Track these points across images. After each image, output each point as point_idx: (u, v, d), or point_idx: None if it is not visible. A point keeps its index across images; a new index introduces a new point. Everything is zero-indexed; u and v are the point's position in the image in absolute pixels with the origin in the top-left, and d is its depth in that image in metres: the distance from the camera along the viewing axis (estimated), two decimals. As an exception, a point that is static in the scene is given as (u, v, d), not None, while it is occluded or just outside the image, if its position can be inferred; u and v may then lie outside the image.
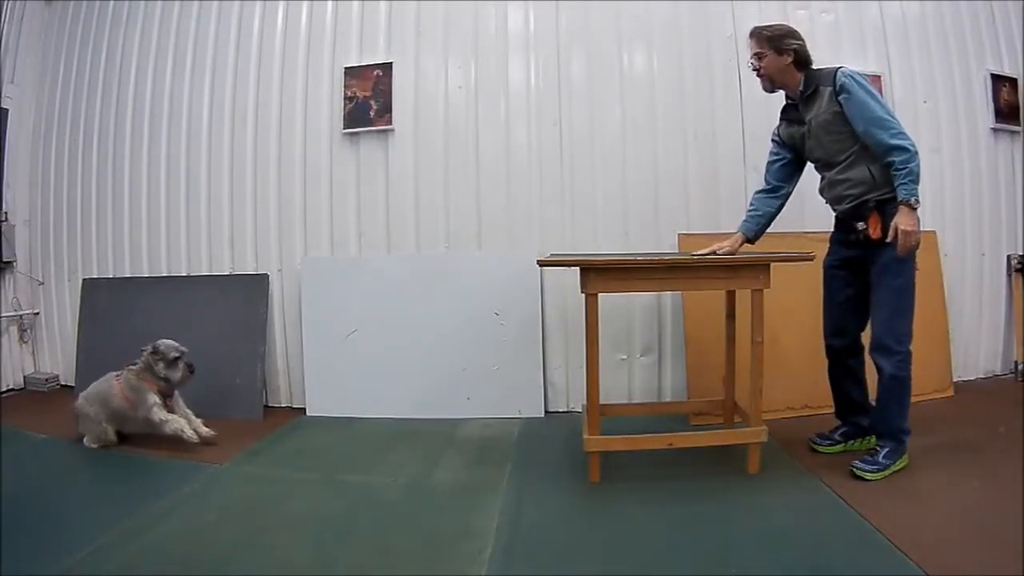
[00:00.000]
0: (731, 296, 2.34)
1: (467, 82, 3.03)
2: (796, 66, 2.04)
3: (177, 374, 2.49)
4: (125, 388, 2.47)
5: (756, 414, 2.05)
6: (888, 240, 1.90)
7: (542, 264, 2.08)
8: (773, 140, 2.26)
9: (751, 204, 2.27)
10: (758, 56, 2.05)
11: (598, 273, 1.98)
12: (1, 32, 3.40)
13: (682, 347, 2.84)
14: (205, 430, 2.48)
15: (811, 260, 2.02)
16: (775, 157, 2.23)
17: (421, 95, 3.05)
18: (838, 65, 2.01)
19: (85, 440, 2.52)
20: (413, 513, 1.88)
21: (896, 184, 1.88)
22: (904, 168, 1.85)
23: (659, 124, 2.93)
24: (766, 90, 2.13)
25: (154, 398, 2.45)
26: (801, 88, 2.05)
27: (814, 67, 2.05)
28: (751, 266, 2.01)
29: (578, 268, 2.00)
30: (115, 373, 2.55)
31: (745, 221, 2.24)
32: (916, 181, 1.87)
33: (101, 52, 3.50)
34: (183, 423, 2.45)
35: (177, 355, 2.50)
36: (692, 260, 2.05)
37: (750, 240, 2.23)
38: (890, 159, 1.88)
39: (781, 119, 2.21)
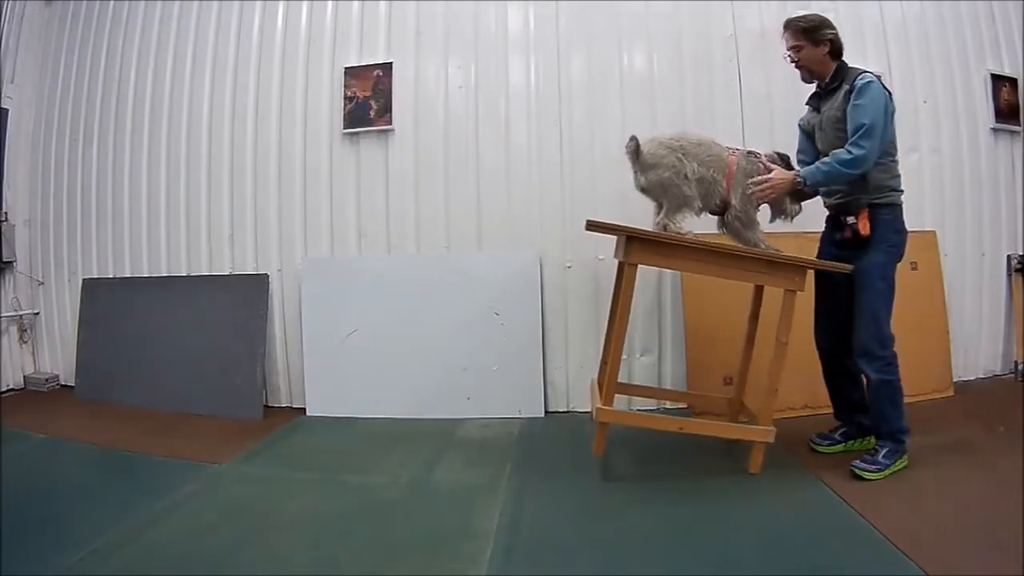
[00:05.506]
0: (758, 297, 2.32)
1: (467, 82, 3.03)
2: (831, 56, 2.05)
3: (795, 207, 2.12)
4: (738, 163, 2.04)
5: (767, 414, 2.02)
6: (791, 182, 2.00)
7: (590, 226, 2.01)
8: (799, 126, 2.27)
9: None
10: (796, 48, 2.05)
11: (643, 244, 1.97)
12: (1, 32, 3.40)
13: (680, 348, 2.84)
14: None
15: (848, 271, 2.00)
16: (802, 147, 2.25)
17: (421, 95, 3.05)
18: (869, 70, 2.02)
19: (664, 213, 2.01)
20: (413, 513, 1.88)
21: (815, 163, 1.98)
22: (833, 163, 1.92)
23: (659, 124, 2.92)
24: (805, 80, 2.14)
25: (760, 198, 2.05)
26: (827, 80, 2.06)
27: (849, 65, 2.05)
28: (790, 267, 2.00)
29: (617, 238, 2.02)
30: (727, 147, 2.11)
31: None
32: (826, 179, 1.97)
33: (101, 52, 3.50)
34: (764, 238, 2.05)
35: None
36: (737, 250, 2.02)
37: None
38: (838, 149, 1.93)
39: (807, 104, 2.22)
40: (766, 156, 2.12)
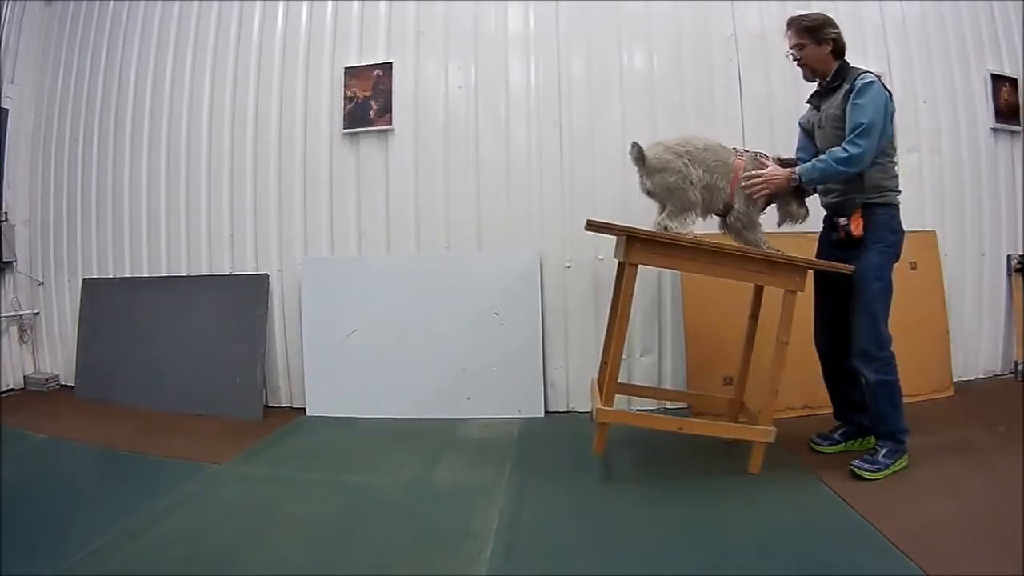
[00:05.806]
0: (758, 297, 2.32)
1: (467, 82, 3.03)
2: (833, 55, 2.05)
3: (802, 210, 2.15)
4: (744, 166, 2.07)
5: (768, 414, 2.01)
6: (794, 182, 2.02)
7: (590, 226, 2.01)
8: (799, 124, 2.27)
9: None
10: (798, 47, 2.05)
11: (644, 244, 1.97)
12: (1, 32, 3.40)
13: (680, 348, 2.84)
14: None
15: (849, 272, 1.99)
16: (801, 145, 2.24)
17: (421, 95, 3.05)
18: (870, 70, 2.02)
19: (666, 214, 2.04)
20: (413, 513, 1.88)
21: (811, 161, 1.99)
22: (829, 161, 1.93)
23: (659, 124, 2.92)
24: (806, 79, 2.14)
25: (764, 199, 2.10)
26: (828, 79, 2.06)
27: (851, 64, 2.05)
28: (792, 267, 2.00)
29: (617, 238, 2.00)
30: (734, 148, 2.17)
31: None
32: (822, 177, 1.98)
33: (101, 52, 3.50)
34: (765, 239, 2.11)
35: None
36: (738, 250, 2.03)
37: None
38: (834, 148, 1.93)
39: (807, 103, 2.22)
40: (773, 159, 2.13)
